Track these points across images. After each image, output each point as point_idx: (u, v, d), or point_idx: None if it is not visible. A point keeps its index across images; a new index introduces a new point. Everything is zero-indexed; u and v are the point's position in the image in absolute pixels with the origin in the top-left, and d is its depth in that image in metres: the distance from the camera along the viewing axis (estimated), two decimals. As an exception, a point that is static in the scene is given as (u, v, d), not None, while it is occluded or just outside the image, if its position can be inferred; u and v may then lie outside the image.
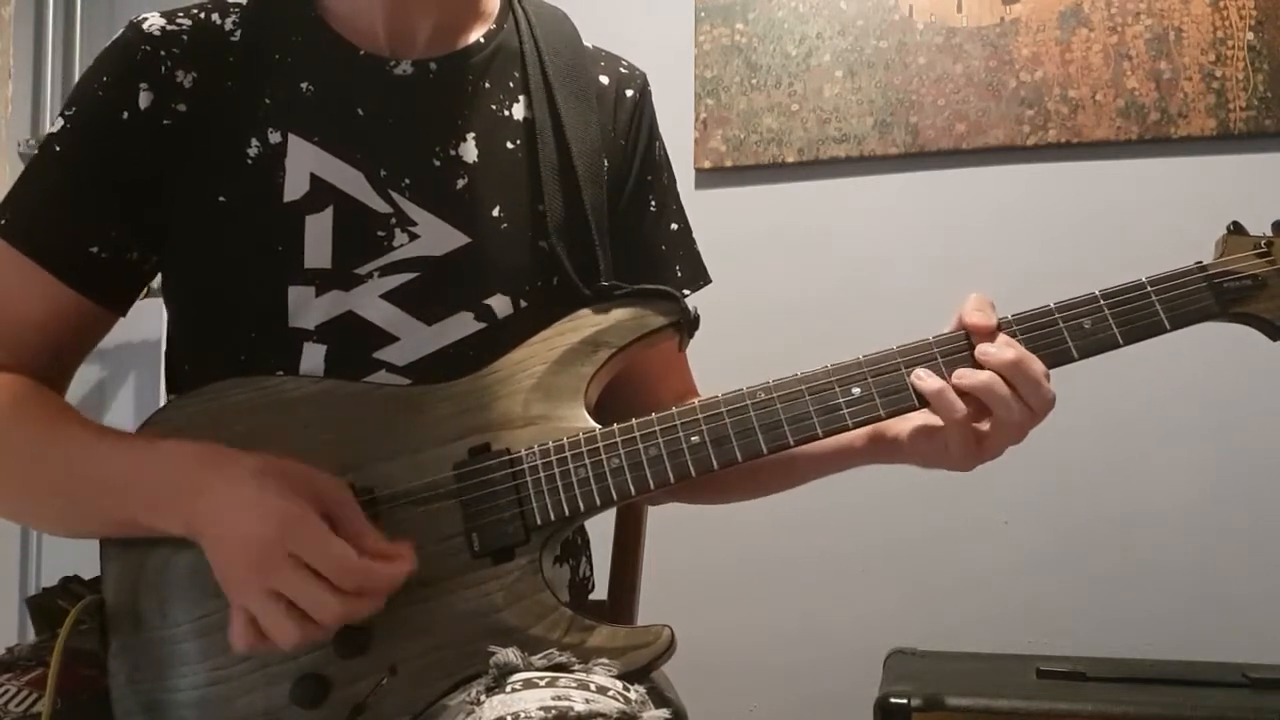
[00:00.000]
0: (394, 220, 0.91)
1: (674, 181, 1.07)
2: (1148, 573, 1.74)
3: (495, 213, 0.93)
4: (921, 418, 0.87)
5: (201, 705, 0.80)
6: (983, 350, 0.84)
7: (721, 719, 1.86)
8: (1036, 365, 0.83)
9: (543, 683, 0.73)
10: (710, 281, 1.06)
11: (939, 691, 1.36)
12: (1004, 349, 0.83)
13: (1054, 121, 1.82)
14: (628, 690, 0.75)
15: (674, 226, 1.06)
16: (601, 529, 1.08)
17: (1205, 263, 0.85)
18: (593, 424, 0.86)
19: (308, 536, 0.74)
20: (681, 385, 1.06)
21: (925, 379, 0.84)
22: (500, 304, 0.92)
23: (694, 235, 1.07)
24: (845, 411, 0.84)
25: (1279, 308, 0.84)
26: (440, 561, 0.81)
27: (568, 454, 0.84)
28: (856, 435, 0.91)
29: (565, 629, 0.80)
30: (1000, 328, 0.85)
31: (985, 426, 0.85)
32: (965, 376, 0.83)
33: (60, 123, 0.91)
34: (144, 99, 0.89)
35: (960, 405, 0.83)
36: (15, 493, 0.89)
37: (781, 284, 1.93)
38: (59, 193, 0.90)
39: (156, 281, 0.96)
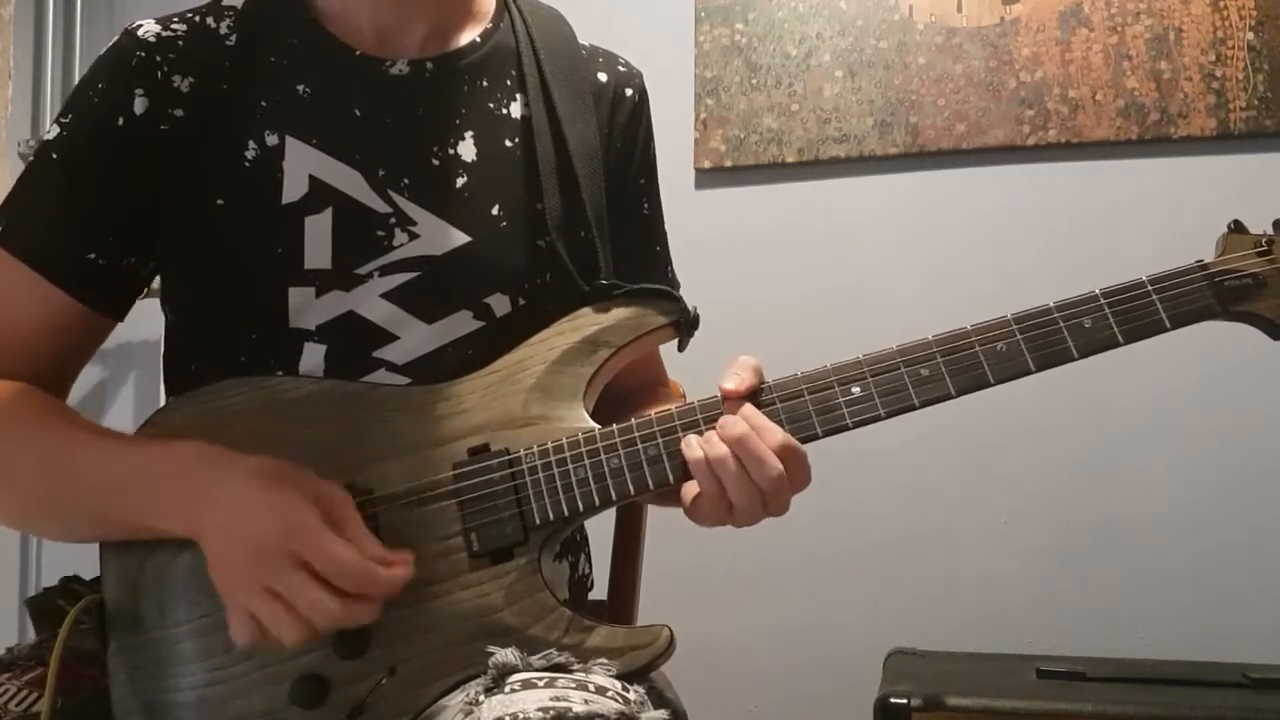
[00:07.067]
0: (394, 220, 0.91)
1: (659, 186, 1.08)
2: (1148, 573, 1.74)
3: (495, 211, 0.93)
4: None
5: (201, 705, 0.80)
6: (720, 423, 0.82)
7: (721, 719, 1.86)
8: (760, 442, 0.79)
9: (541, 683, 0.73)
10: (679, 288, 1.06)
11: (939, 691, 1.36)
12: (736, 424, 0.80)
13: (1054, 121, 1.82)
14: (627, 690, 0.75)
15: (665, 229, 1.08)
16: (601, 528, 1.08)
17: (1206, 261, 0.85)
18: (592, 424, 0.86)
19: (309, 536, 0.74)
20: (652, 374, 1.07)
21: (691, 447, 0.82)
22: (499, 303, 0.92)
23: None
24: (845, 411, 0.83)
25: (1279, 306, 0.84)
26: (439, 562, 0.81)
27: (567, 454, 0.83)
28: None
29: (564, 629, 0.80)
30: (760, 393, 0.83)
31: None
32: (711, 446, 0.81)
33: (56, 129, 0.91)
34: (139, 105, 0.89)
35: (714, 478, 0.80)
36: (15, 499, 0.88)
37: (781, 284, 1.92)
38: (57, 200, 0.90)
39: (156, 281, 0.96)
